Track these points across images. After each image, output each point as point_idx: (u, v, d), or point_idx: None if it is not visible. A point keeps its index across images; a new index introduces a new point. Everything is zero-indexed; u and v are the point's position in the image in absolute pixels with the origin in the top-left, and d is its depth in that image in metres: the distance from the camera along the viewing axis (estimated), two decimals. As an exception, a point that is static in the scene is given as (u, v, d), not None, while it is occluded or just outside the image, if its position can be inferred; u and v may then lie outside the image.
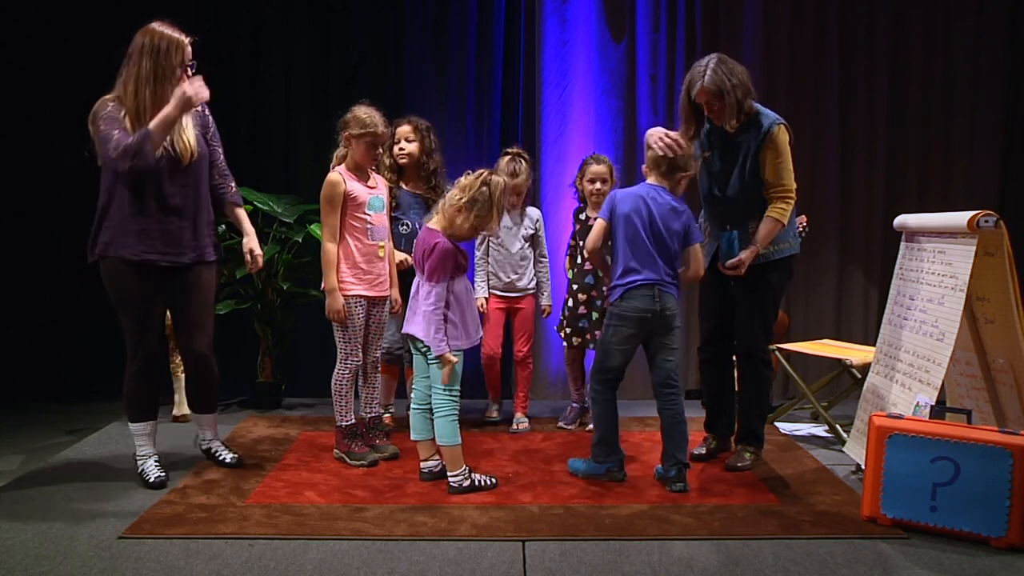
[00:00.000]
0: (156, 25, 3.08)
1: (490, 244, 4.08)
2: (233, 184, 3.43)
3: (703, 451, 3.63)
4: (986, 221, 3.00)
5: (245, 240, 3.40)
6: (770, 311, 3.45)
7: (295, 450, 3.73)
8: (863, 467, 3.08)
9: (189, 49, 3.10)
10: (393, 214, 3.80)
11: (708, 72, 3.18)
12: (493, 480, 3.23)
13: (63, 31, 4.72)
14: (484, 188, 3.08)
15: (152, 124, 2.96)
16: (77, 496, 3.11)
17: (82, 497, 3.10)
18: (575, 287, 4.06)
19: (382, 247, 3.50)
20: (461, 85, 4.81)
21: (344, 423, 3.54)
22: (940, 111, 4.88)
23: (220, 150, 3.38)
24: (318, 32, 4.83)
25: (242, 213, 3.44)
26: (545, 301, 4.20)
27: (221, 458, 3.47)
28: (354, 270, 3.45)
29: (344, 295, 3.44)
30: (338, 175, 3.43)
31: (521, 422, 4.15)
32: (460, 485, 3.15)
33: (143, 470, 3.27)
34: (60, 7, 4.70)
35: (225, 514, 2.92)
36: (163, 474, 3.26)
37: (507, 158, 4.00)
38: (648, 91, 4.78)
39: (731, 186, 3.35)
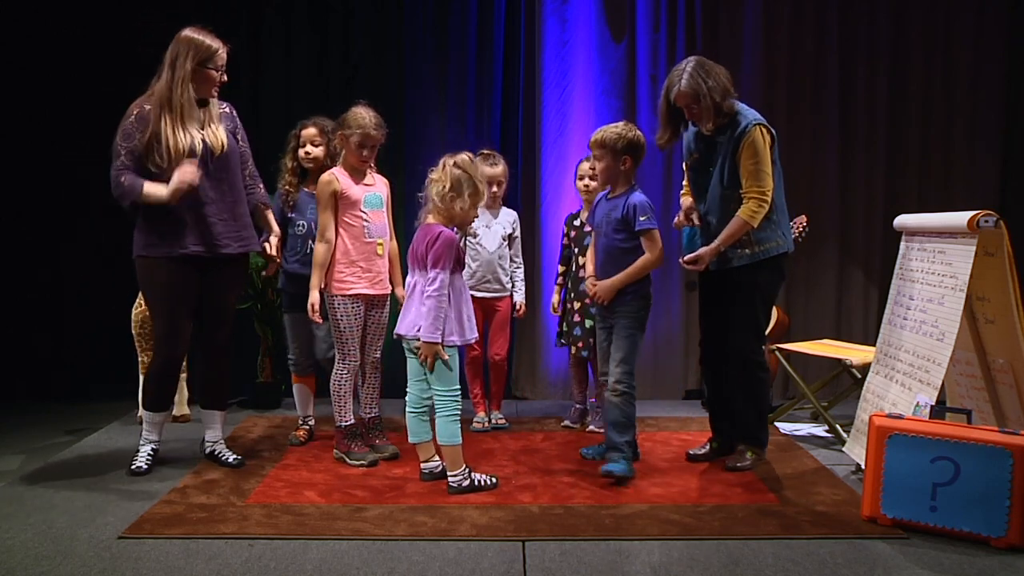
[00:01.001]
0: (191, 32, 3.23)
1: (467, 243, 4.01)
2: (261, 186, 3.55)
3: (701, 451, 3.62)
4: (986, 221, 3.00)
5: (272, 239, 3.52)
6: (760, 312, 3.41)
7: (295, 450, 3.73)
8: (863, 467, 3.08)
9: (224, 54, 3.27)
10: (289, 215, 3.77)
11: (685, 76, 3.23)
12: (494, 480, 3.23)
13: (63, 31, 4.72)
14: (456, 169, 3.10)
15: (147, 188, 3.13)
16: (77, 496, 3.11)
17: (82, 497, 3.10)
18: (572, 295, 4.04)
19: (380, 244, 3.50)
20: (461, 85, 4.81)
21: (343, 423, 3.54)
22: (940, 111, 4.88)
23: (248, 151, 3.49)
24: (318, 32, 4.83)
25: (270, 215, 3.56)
26: (519, 298, 4.18)
27: (224, 459, 3.48)
28: (352, 268, 3.45)
29: (342, 294, 3.44)
30: (331, 174, 3.46)
31: (498, 418, 4.16)
32: (460, 485, 3.14)
33: (137, 452, 3.40)
34: (60, 7, 4.70)
35: (225, 514, 2.92)
36: (145, 466, 3.36)
37: (480, 156, 3.89)
38: (648, 91, 4.78)
39: (711, 187, 3.36)
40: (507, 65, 4.86)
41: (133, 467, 3.35)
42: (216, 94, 3.32)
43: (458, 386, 3.17)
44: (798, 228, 4.01)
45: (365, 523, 2.85)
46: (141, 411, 3.60)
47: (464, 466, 3.18)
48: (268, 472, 3.40)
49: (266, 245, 3.50)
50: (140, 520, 2.86)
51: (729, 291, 3.40)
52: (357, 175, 3.49)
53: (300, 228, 3.75)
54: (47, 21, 4.73)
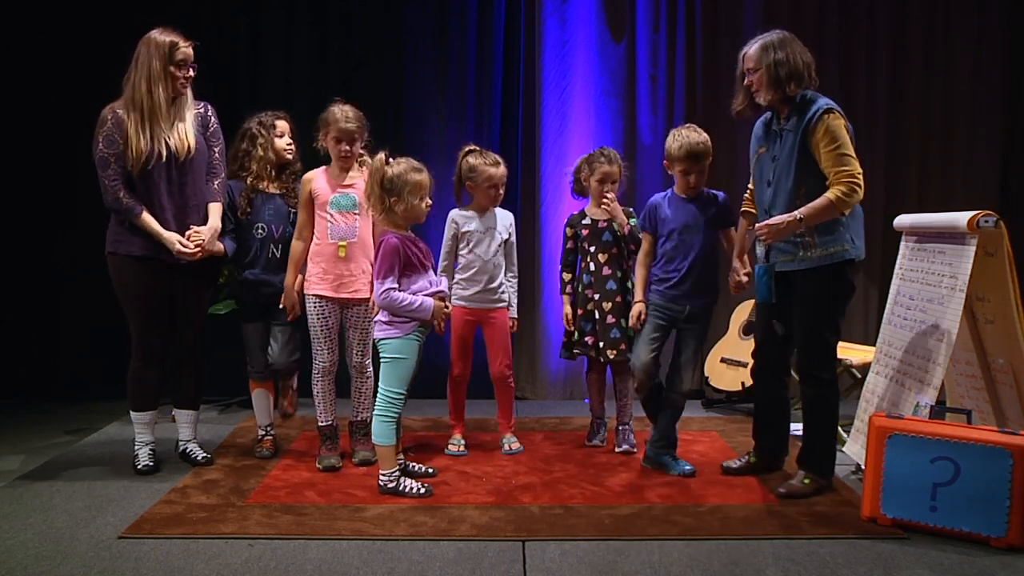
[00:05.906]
0: (155, 32, 3.23)
1: (458, 251, 3.64)
2: (217, 181, 3.43)
3: (736, 464, 3.43)
4: (986, 221, 3.00)
5: (205, 229, 3.33)
6: (825, 327, 3.09)
7: (295, 450, 3.73)
8: (863, 467, 3.08)
9: (189, 50, 3.25)
10: (248, 219, 3.56)
11: (758, 41, 3.06)
12: (423, 490, 3.13)
13: (63, 32, 4.72)
14: (380, 171, 3.04)
15: (145, 218, 3.21)
16: (77, 496, 3.12)
17: (82, 497, 3.10)
18: (596, 298, 3.65)
19: (343, 247, 3.36)
20: (461, 85, 4.81)
21: (319, 423, 3.53)
22: (940, 111, 4.88)
23: (216, 148, 3.44)
24: (318, 32, 4.83)
25: (214, 207, 3.40)
26: (513, 314, 3.76)
27: (195, 457, 3.50)
28: (316, 269, 3.42)
29: (307, 292, 3.43)
30: (311, 173, 3.44)
31: (512, 442, 3.75)
32: (385, 486, 3.13)
33: (137, 455, 3.42)
34: (60, 9, 4.70)
35: (225, 514, 2.93)
36: (152, 463, 3.38)
37: (474, 154, 3.59)
38: (648, 91, 4.78)
39: (776, 185, 3.10)
40: (507, 65, 4.86)
41: (140, 467, 3.37)
42: (185, 90, 3.28)
43: (403, 390, 3.12)
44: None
45: (365, 523, 2.85)
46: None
47: (395, 467, 3.16)
48: (268, 472, 3.40)
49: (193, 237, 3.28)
50: (140, 520, 2.86)
51: (792, 304, 3.14)
52: (337, 176, 3.42)
53: (260, 231, 3.55)
54: (47, 23, 4.73)
